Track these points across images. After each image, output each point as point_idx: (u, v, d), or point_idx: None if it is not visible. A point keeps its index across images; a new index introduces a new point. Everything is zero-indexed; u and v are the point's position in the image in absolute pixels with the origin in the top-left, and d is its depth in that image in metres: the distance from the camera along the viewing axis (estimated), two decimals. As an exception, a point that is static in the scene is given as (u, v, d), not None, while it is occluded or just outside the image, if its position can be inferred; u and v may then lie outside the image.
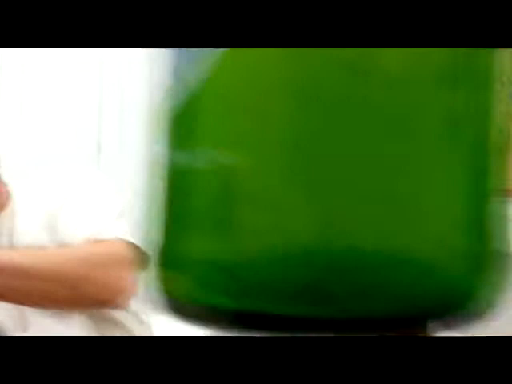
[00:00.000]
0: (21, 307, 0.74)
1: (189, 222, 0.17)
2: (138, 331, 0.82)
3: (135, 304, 0.78)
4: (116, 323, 0.80)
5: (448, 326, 0.18)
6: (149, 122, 0.19)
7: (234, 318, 0.16)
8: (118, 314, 0.80)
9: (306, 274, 0.16)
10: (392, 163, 0.17)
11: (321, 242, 0.16)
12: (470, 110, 0.19)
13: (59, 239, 0.75)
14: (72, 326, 0.76)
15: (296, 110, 0.16)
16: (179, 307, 0.17)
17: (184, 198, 0.18)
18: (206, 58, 0.16)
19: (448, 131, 0.18)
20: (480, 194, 0.20)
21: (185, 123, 0.17)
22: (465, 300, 0.18)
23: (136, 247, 0.91)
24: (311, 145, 0.16)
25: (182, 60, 0.17)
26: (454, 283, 0.18)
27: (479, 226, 0.19)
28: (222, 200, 0.17)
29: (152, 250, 0.18)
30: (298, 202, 0.16)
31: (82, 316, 0.77)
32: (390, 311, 0.16)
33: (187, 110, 0.17)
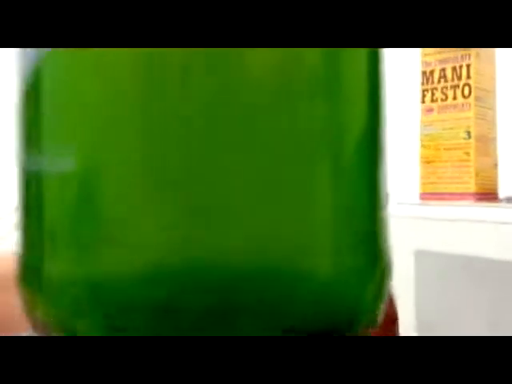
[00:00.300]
0: None
1: (44, 236, 0.15)
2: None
3: None
4: None
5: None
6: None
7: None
8: None
9: (169, 293, 0.14)
10: (264, 171, 0.15)
11: (183, 257, 0.14)
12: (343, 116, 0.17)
13: None
14: None
15: (147, 104, 0.14)
16: (50, 334, 0.15)
17: (39, 207, 0.16)
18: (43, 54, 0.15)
19: (325, 138, 0.16)
20: (365, 207, 0.18)
21: (30, 122, 0.15)
22: (355, 314, 0.17)
23: None
24: (165, 146, 0.14)
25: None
26: (342, 297, 0.16)
27: (367, 241, 0.17)
28: (75, 210, 0.15)
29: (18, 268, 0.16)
30: (155, 211, 0.14)
31: None
32: (274, 331, 0.15)
33: (30, 105, 0.15)
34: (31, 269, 0.16)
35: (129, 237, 0.14)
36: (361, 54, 0.17)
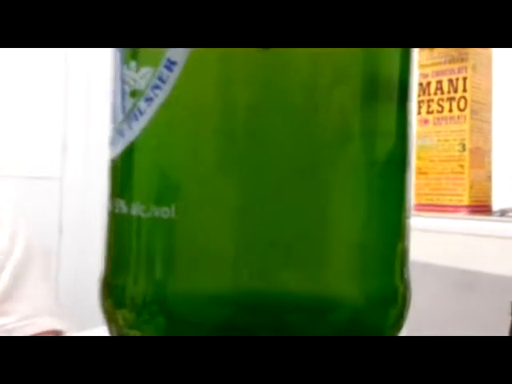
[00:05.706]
0: None
1: (128, 265, 0.18)
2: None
3: None
4: None
5: None
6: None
7: None
8: None
9: (230, 316, 0.16)
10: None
11: (244, 285, 0.16)
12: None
13: None
14: None
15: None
16: None
17: (127, 241, 0.18)
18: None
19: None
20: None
21: (122, 173, 0.18)
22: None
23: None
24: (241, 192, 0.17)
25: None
26: (367, 323, 0.18)
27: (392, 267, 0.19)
28: (164, 245, 0.17)
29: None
30: (229, 249, 0.16)
31: None
32: None
33: (124, 159, 0.17)
34: (115, 287, 0.18)
35: (203, 267, 0.16)
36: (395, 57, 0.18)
